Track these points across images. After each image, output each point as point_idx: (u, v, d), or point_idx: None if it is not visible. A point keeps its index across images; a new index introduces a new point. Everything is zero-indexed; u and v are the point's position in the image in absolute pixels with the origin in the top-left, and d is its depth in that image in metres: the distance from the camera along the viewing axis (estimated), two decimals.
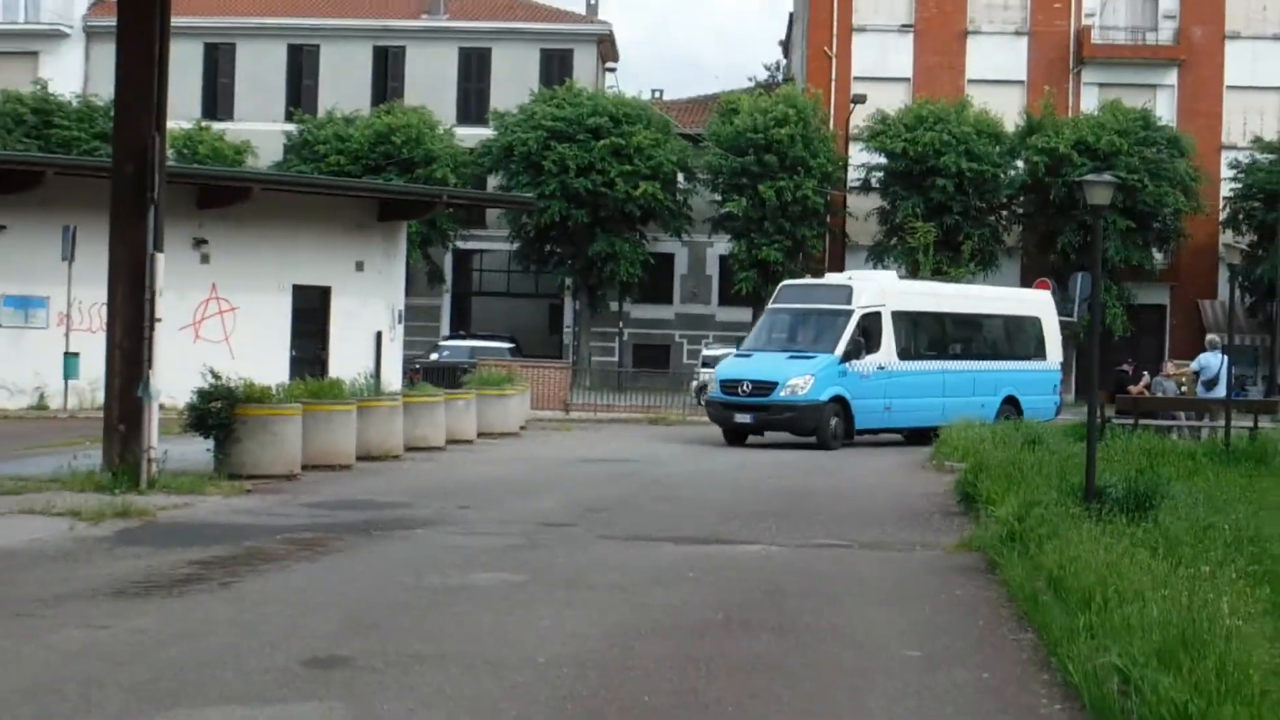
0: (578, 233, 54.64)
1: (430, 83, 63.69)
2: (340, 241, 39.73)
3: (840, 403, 28.93)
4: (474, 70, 64.78)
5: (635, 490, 22.15)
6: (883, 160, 55.24)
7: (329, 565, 14.56)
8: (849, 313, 29.82)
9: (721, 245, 58.44)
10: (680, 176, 56.44)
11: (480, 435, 30.50)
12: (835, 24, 61.50)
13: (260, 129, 60.32)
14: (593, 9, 69.60)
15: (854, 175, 57.12)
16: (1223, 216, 57.59)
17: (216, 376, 22.08)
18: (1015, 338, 34.99)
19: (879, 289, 31.36)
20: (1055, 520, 14.10)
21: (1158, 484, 15.80)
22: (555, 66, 64.28)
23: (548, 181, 53.38)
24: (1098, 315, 23.95)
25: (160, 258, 20.40)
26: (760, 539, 17.06)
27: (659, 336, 62.98)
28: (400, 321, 41.50)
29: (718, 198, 55.78)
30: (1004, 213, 55.49)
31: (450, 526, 17.40)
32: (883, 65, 60.93)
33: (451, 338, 55.51)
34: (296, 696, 9.05)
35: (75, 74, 60.33)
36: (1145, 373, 37.71)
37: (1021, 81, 60.90)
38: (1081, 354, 50.89)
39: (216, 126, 59.22)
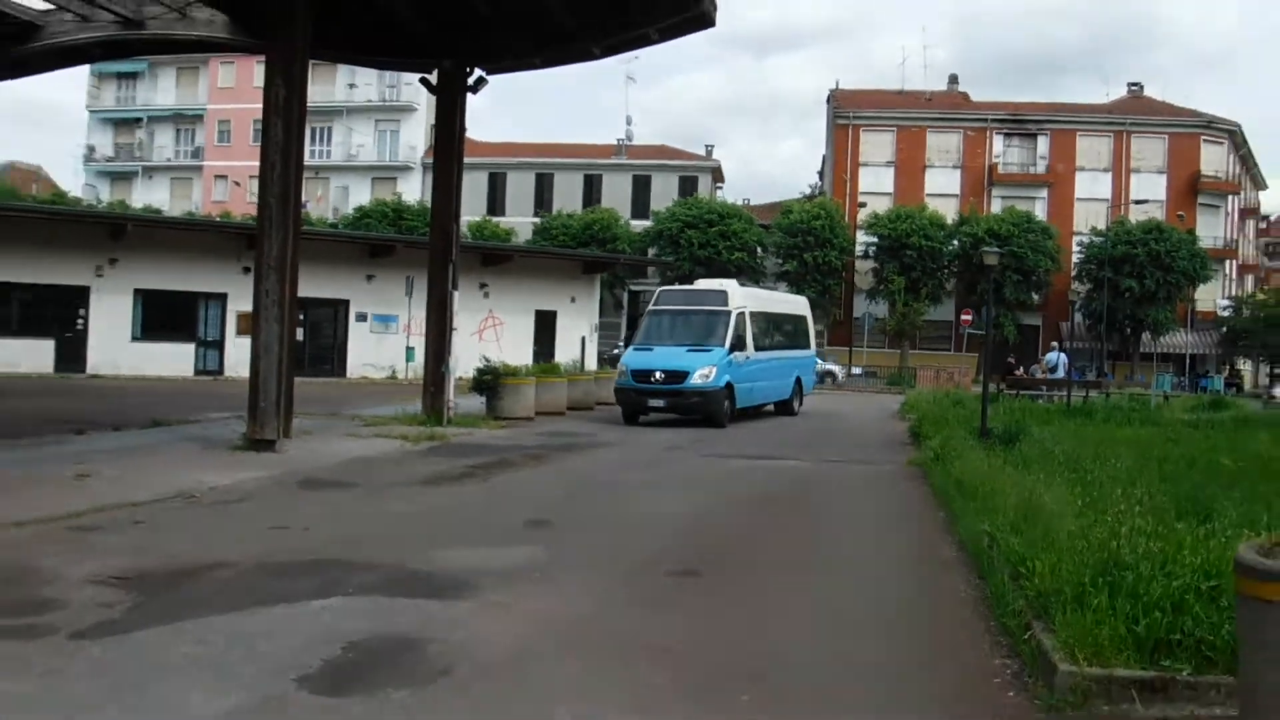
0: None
1: (616, 194, 63.88)
2: (562, 285, 40.00)
3: (729, 388, 22.41)
4: (641, 187, 64.83)
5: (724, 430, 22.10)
6: (875, 239, 54.61)
7: (546, 468, 14.63)
8: (728, 313, 23.05)
9: (782, 288, 57.97)
10: (758, 249, 56.10)
11: None
12: (849, 161, 61.08)
13: (519, 221, 60.79)
14: (709, 150, 69.37)
15: (859, 248, 56.47)
16: (1073, 273, 56.31)
17: (488, 361, 22.43)
18: (797, 332, 28.00)
19: (741, 294, 24.44)
20: (961, 448, 13.92)
21: (1022, 428, 15.53)
22: (687, 185, 64.12)
23: (682, 251, 53.30)
24: (990, 329, 23.98)
25: (455, 294, 20.64)
26: (794, 458, 16.95)
27: None
28: (595, 331, 41.66)
29: (779, 261, 55.44)
30: (945, 270, 54.57)
31: (616, 448, 17.44)
32: (876, 185, 60.30)
33: (626, 342, 55.85)
34: (516, 542, 9.22)
35: (416, 190, 61.22)
36: (1021, 365, 37.40)
37: (957, 195, 59.94)
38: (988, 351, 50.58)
39: (494, 219, 59.80)
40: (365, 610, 6.69)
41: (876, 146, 61.56)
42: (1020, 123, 61.43)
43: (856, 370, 51.73)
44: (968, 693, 5.50)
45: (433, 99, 21.76)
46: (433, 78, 20.46)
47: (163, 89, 70.08)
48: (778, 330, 26.54)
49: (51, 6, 18.76)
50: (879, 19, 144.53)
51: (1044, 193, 60.10)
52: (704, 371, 21.74)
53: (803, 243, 53.69)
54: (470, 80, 20.29)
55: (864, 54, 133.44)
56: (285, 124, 14.65)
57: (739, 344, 22.78)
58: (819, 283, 53.92)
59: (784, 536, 9.90)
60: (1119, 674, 5.31)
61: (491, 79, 20.96)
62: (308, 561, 8.05)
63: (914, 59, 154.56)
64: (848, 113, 61.88)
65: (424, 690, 5.26)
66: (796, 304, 29.66)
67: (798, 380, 27.02)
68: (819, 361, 34.22)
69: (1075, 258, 56.29)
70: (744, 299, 24.13)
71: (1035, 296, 54.88)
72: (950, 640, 6.44)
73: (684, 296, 25.29)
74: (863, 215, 56.79)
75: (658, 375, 21.97)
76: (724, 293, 23.88)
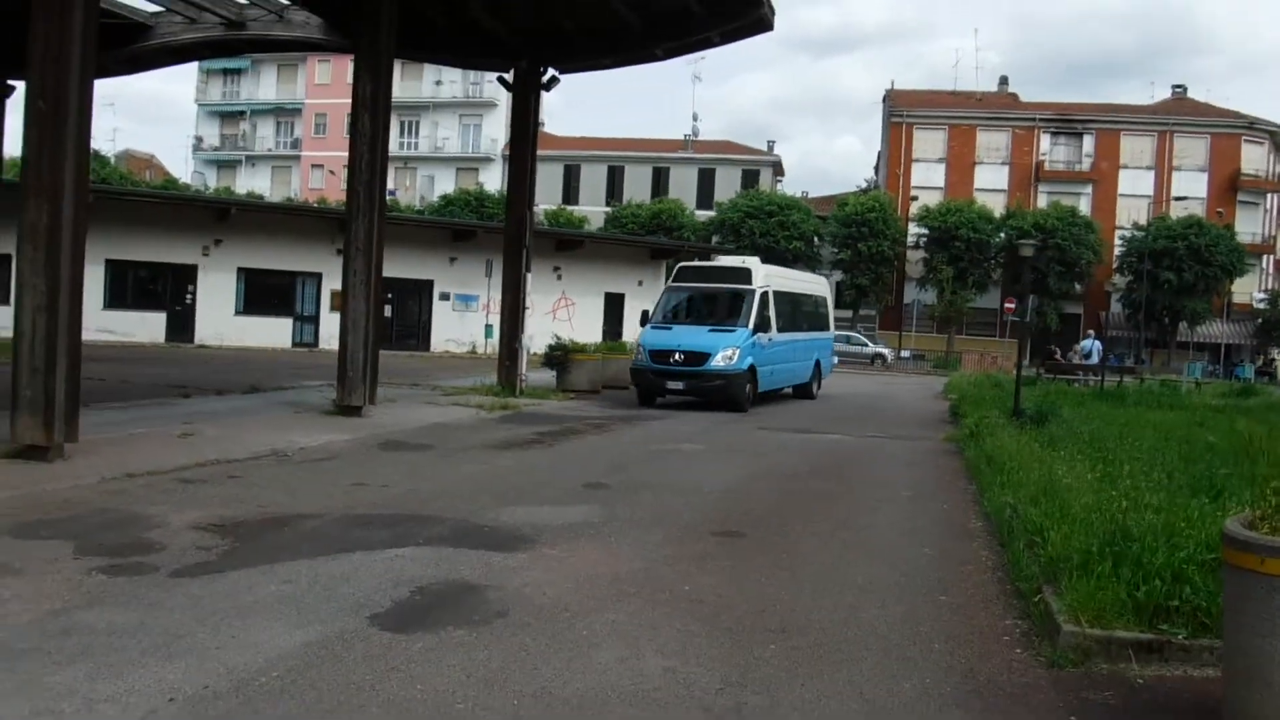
0: None
1: (682, 186, 63.77)
2: (630, 269, 40.14)
3: (752, 371, 19.90)
4: (706, 180, 64.64)
5: (773, 403, 22.06)
6: (925, 231, 54.03)
7: (606, 437, 14.82)
8: (752, 292, 20.36)
9: (837, 275, 57.66)
10: (815, 238, 55.71)
11: None
12: (903, 157, 60.38)
13: (592, 210, 60.92)
14: (770, 146, 68.98)
15: (910, 239, 55.86)
16: (1115, 265, 55.19)
17: (559, 338, 22.68)
18: (817, 313, 25.09)
19: (764, 272, 21.53)
20: (994, 427, 13.90)
21: (1053, 408, 15.42)
22: (749, 178, 63.84)
23: (743, 240, 53.13)
24: (1025, 317, 23.76)
25: (529, 276, 20.91)
26: (837, 432, 17.01)
27: None
28: None
29: (835, 250, 55.02)
30: (991, 261, 53.76)
31: (672, 419, 17.58)
32: (928, 179, 59.56)
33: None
34: (576, 502, 9.40)
35: (496, 180, 61.58)
36: (1060, 352, 36.86)
37: (1005, 190, 59.04)
38: (1028, 338, 49.92)
39: (569, 208, 60.01)
40: (433, 559, 6.93)
41: (929, 143, 60.81)
42: (1067, 122, 60.31)
43: (905, 353, 51.29)
44: (977, 648, 5.58)
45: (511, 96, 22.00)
46: (509, 76, 20.67)
47: (265, 84, 71.41)
48: (799, 311, 23.73)
49: (161, 9, 19.28)
50: (935, 22, 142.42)
51: (1088, 189, 58.98)
52: (727, 353, 19.39)
53: (857, 233, 53.30)
54: (544, 79, 20.49)
55: (919, 56, 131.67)
56: (372, 117, 14.94)
57: (763, 324, 20.37)
58: (872, 270, 53.59)
59: (822, 503, 9.99)
60: (1118, 635, 5.37)
61: (564, 78, 21.14)
62: (384, 515, 8.31)
63: (967, 61, 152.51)
64: (902, 111, 61.19)
65: (481, 629, 5.47)
66: (817, 284, 26.98)
67: (817, 364, 24.54)
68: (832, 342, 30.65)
69: (1117, 251, 55.29)
70: (767, 277, 21.48)
71: (1077, 287, 53.97)
72: (967, 602, 6.51)
73: (705, 273, 22.84)
74: (914, 208, 56.15)
75: (677, 356, 19.52)
76: (748, 270, 21.19)
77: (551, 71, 20.61)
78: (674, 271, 22.40)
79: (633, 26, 18.77)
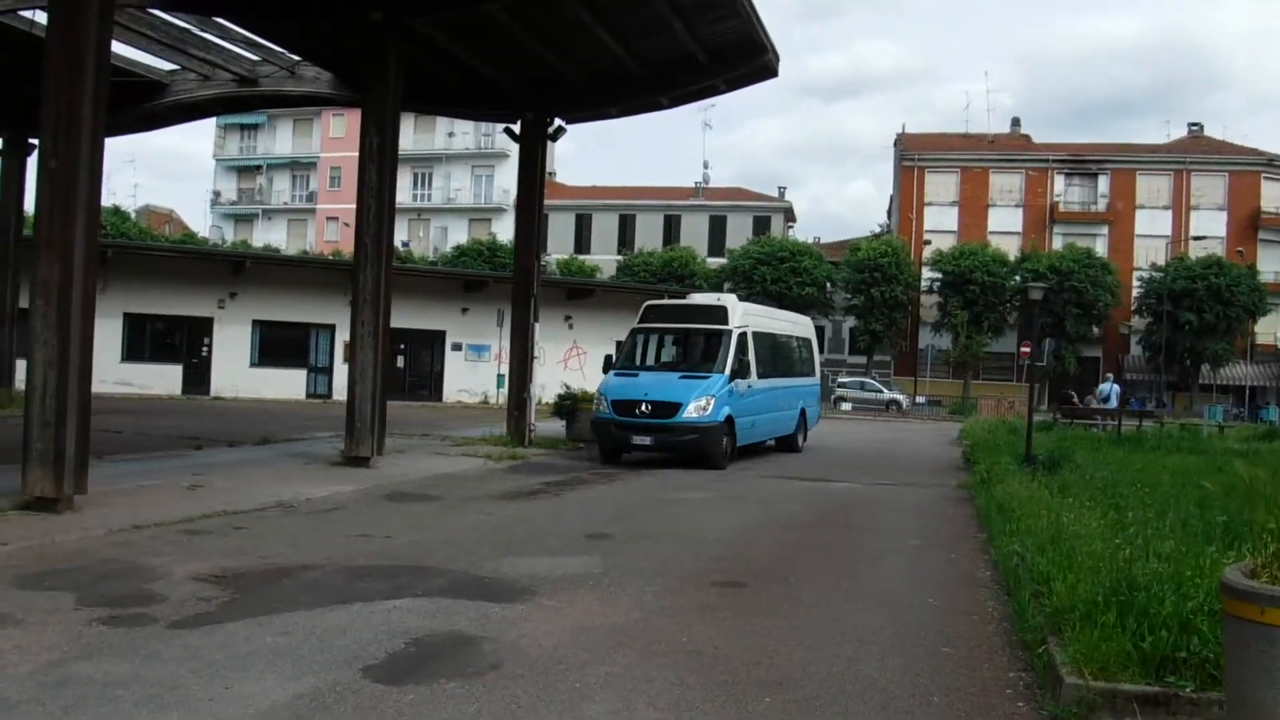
0: None
1: (693, 233, 64.07)
2: None
3: (729, 422, 17.75)
4: (717, 227, 64.90)
5: (786, 451, 22.03)
6: (939, 275, 53.98)
7: (613, 486, 14.80)
8: (729, 333, 18.26)
9: (850, 321, 57.64)
10: (828, 284, 55.75)
11: None
12: (915, 201, 60.56)
13: (603, 258, 61.22)
14: (782, 192, 69.37)
15: (924, 284, 55.84)
16: (1133, 307, 54.98)
17: (568, 388, 22.67)
18: (802, 356, 23.01)
19: (742, 310, 19.32)
20: (1005, 474, 13.80)
21: (1065, 454, 15.35)
22: (760, 224, 64.00)
23: (755, 286, 53.24)
24: (1034, 361, 23.76)
25: (537, 326, 21.03)
26: (847, 480, 16.91)
27: None
28: None
29: (848, 295, 55.03)
30: (1007, 305, 53.55)
31: (681, 468, 17.36)
32: (941, 223, 59.66)
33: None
34: (577, 552, 9.38)
35: (509, 230, 61.63)
36: (1077, 395, 36.60)
37: (1019, 232, 59.01)
38: (1046, 382, 49.69)
39: (580, 257, 60.37)
40: (430, 610, 6.92)
41: (941, 186, 60.98)
42: (1081, 163, 60.38)
43: (920, 399, 51.15)
44: (977, 701, 5.52)
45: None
46: (516, 127, 20.91)
47: (281, 139, 72.35)
48: (782, 354, 21.75)
49: (176, 67, 19.67)
50: (944, 65, 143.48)
51: (1104, 229, 58.86)
52: (700, 403, 17.20)
53: (870, 278, 53.28)
54: (550, 129, 20.73)
55: (929, 99, 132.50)
56: (379, 170, 15.14)
57: (741, 370, 18.21)
58: (885, 316, 53.51)
59: (828, 553, 9.92)
60: (1123, 688, 5.28)
61: (573, 128, 21.41)
62: (385, 566, 8.31)
63: (978, 103, 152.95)
64: (913, 155, 61.45)
65: (473, 682, 5.45)
66: (801, 324, 24.55)
67: (802, 413, 22.50)
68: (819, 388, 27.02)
69: (1135, 292, 55.04)
70: (745, 316, 19.33)
71: (1095, 330, 53.77)
72: (970, 653, 6.45)
73: (676, 313, 20.24)
74: (928, 252, 56.20)
75: (644, 407, 17.40)
76: (723, 308, 19.00)
77: (558, 122, 20.86)
78: (641, 311, 19.79)
79: (637, 75, 19.01)
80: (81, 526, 9.40)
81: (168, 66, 20.40)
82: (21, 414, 10.40)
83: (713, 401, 17.35)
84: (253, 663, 5.59)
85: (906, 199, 61.17)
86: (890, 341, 55.39)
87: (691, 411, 17.20)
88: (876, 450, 23.91)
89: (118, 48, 16.94)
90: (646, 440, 17.45)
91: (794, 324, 23.76)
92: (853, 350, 60.30)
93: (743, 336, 18.67)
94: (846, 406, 47.00)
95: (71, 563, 8.03)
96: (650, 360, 19.36)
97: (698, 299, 21.18)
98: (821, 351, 61.35)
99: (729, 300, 19.81)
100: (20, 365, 15.85)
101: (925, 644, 6.62)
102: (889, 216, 68.36)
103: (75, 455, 10.10)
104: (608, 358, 19.89)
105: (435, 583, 7.77)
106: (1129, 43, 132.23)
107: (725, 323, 18.59)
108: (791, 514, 12.61)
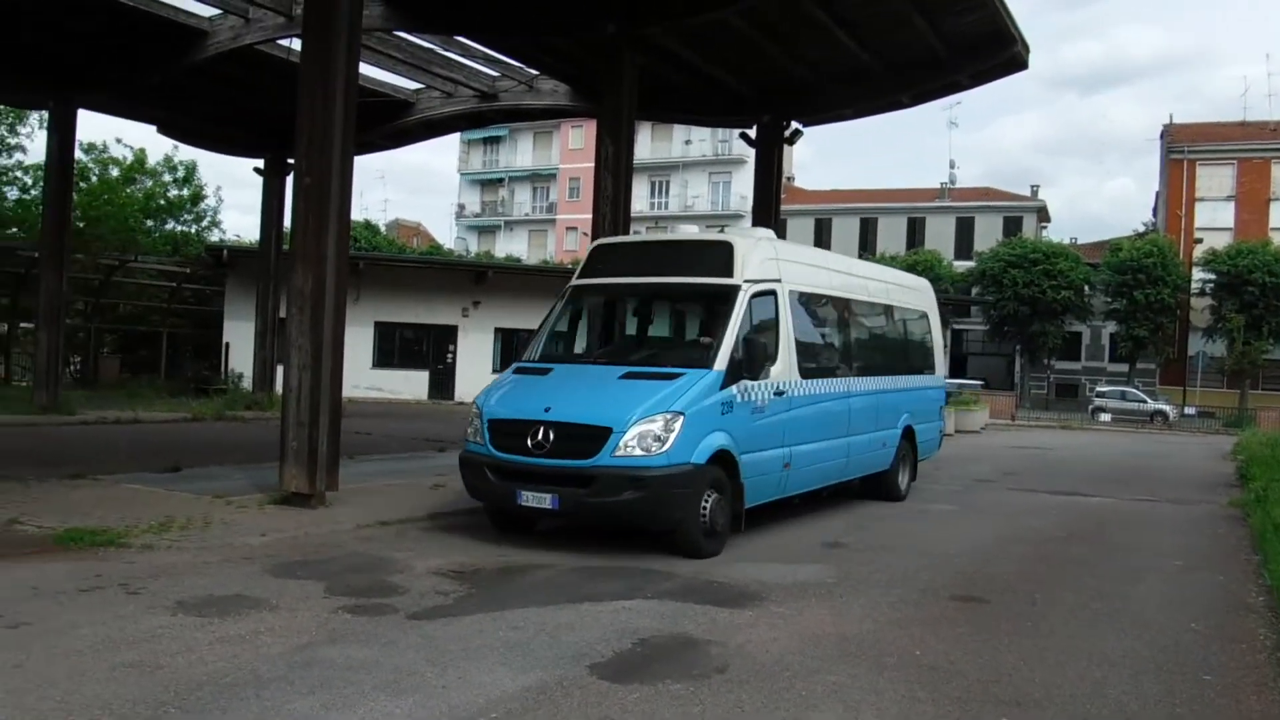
0: (1022, 320, 52.21)
1: (938, 236, 62.43)
2: None
3: (724, 463, 9.39)
4: (964, 229, 62.95)
5: (1036, 463, 21.12)
6: (1212, 276, 50.27)
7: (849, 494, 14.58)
8: (733, 292, 9.93)
9: (1110, 326, 54.59)
10: (1086, 287, 53.02)
11: (957, 431, 29.19)
12: (1184, 196, 56.76)
13: None
14: (1034, 190, 66.44)
15: (1195, 285, 52.09)
16: None
17: None
18: (910, 342, 14.91)
19: (767, 253, 10.72)
20: None
21: None
22: (1011, 225, 61.68)
23: (1005, 290, 51.46)
24: None
25: None
26: (1102, 494, 16.02)
27: (1071, 379, 59.25)
28: None
29: (1108, 299, 52.13)
30: None
31: (920, 479, 17.02)
32: (1214, 220, 55.58)
33: (949, 378, 53.93)
34: (809, 561, 9.33)
35: None
36: None
37: None
38: None
39: None
40: (659, 612, 7.07)
41: (1215, 180, 56.88)
42: None
43: (1190, 410, 47.74)
44: None
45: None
46: (752, 132, 20.98)
47: (521, 152, 75.56)
48: (864, 334, 13.46)
49: (421, 86, 20.87)
50: (1216, 49, 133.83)
51: None
52: (649, 428, 8.93)
53: (1133, 280, 50.29)
54: (786, 132, 20.68)
55: (1198, 86, 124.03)
56: (614, 178, 15.54)
57: (756, 360, 9.86)
58: (1150, 320, 50.40)
59: (1077, 570, 9.45)
60: None
61: (811, 130, 21.27)
62: (616, 567, 8.53)
63: (1257, 88, 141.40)
64: (1182, 147, 57.59)
65: (698, 684, 5.53)
66: (908, 286, 15.44)
67: (907, 434, 13.97)
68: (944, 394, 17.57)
69: None
70: (773, 265, 10.78)
71: None
72: (1235, 683, 6.01)
73: (642, 257, 11.68)
74: (1199, 251, 52.45)
75: (540, 435, 9.15)
76: (725, 248, 10.56)
77: (794, 125, 20.78)
78: (586, 255, 11.88)
79: (875, 74, 18.70)
80: (331, 521, 10.13)
81: (413, 86, 21.69)
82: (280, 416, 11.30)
83: (678, 424, 8.97)
84: (485, 655, 5.88)
85: (1175, 194, 57.41)
86: (1155, 348, 52.05)
87: (631, 445, 8.87)
88: (1137, 464, 22.54)
89: (366, 69, 18.15)
90: (545, 500, 9.11)
91: (891, 285, 14.69)
92: (1113, 358, 57.26)
93: (764, 299, 10.41)
94: (1106, 418, 44.53)
95: (321, 554, 8.67)
96: (587, 345, 11.44)
97: (683, 234, 13.28)
98: (1078, 359, 59.95)
99: (740, 236, 11.14)
100: (280, 371, 17.17)
101: (1184, 670, 6.21)
102: (1154, 214, 64.36)
103: (327, 454, 10.89)
104: (510, 342, 13.15)
105: (666, 585, 7.92)
106: None
107: (728, 273, 10.21)
108: (1039, 529, 12.08)
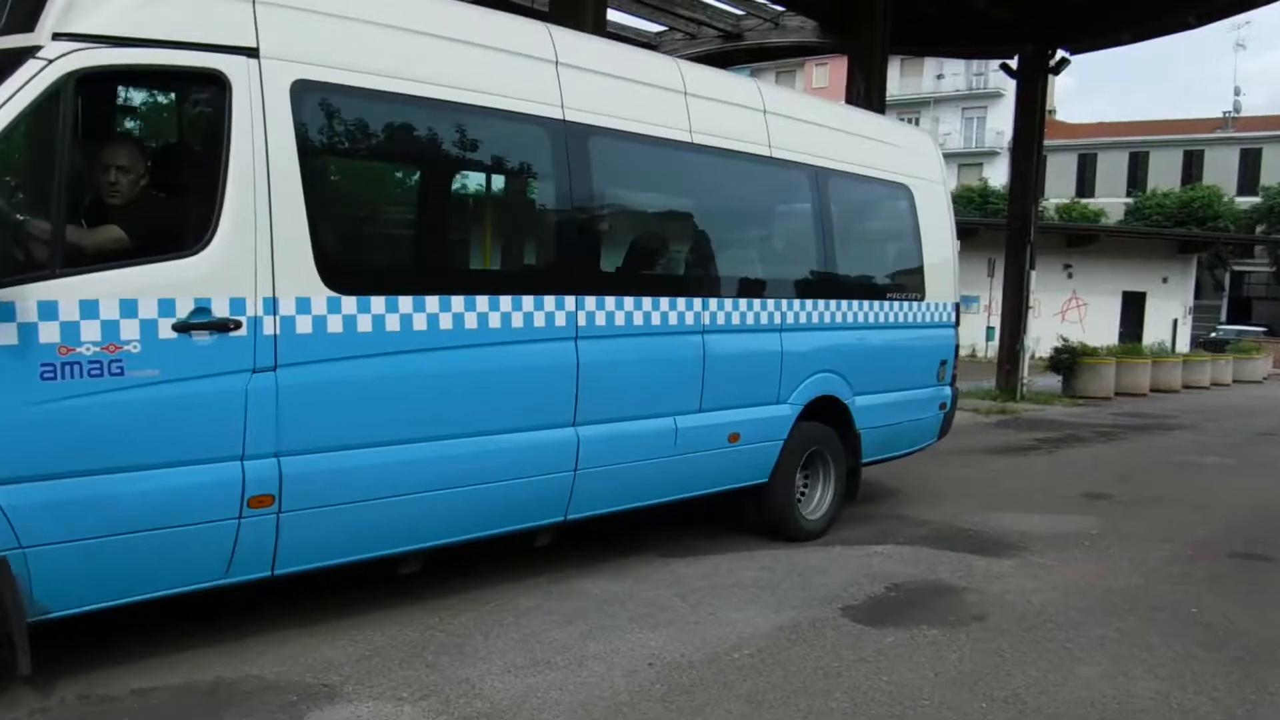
0: None
1: (1218, 170, 57.57)
2: (1152, 265, 37.12)
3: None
4: (1249, 161, 57.83)
5: None
6: None
7: (1114, 446, 13.86)
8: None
9: None
10: None
11: (1234, 381, 27.04)
12: None
13: (1109, 202, 56.85)
14: None
15: None
16: None
17: (1066, 341, 21.58)
18: (851, 238, 7.56)
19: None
20: None
21: None
22: None
23: None
24: None
25: (1032, 274, 20.10)
26: None
27: None
28: (1190, 314, 38.36)
29: None
30: None
31: (1196, 430, 15.96)
32: None
33: (1227, 324, 50.13)
34: (1072, 511, 8.99)
35: (1002, 174, 59.39)
36: None
37: None
38: None
39: (1083, 200, 56.56)
40: (912, 558, 6.97)
41: None
42: None
43: None
44: None
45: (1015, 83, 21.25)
46: (1013, 63, 19.97)
47: None
48: (772, 228, 7.54)
49: (664, 28, 20.91)
50: None
51: None
52: None
53: None
54: (1052, 62, 19.58)
55: None
56: None
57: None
58: None
59: None
60: None
61: (1077, 59, 20.08)
62: (861, 514, 8.42)
63: None
64: None
65: (955, 630, 5.43)
66: (879, 134, 8.37)
67: (825, 413, 7.37)
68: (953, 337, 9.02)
69: None
70: None
71: None
72: None
73: None
74: None
75: None
76: None
77: (1061, 53, 19.62)
78: None
79: None
80: None
81: (656, 29, 21.70)
82: None
83: None
84: (735, 594, 5.95)
85: None
86: None
87: None
88: None
89: (612, 15, 18.28)
90: None
91: (846, 128, 7.90)
92: None
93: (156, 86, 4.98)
94: None
95: None
96: None
97: None
98: None
99: None
100: None
101: None
102: None
103: None
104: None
105: (916, 531, 7.80)
106: None
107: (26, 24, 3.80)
108: None
